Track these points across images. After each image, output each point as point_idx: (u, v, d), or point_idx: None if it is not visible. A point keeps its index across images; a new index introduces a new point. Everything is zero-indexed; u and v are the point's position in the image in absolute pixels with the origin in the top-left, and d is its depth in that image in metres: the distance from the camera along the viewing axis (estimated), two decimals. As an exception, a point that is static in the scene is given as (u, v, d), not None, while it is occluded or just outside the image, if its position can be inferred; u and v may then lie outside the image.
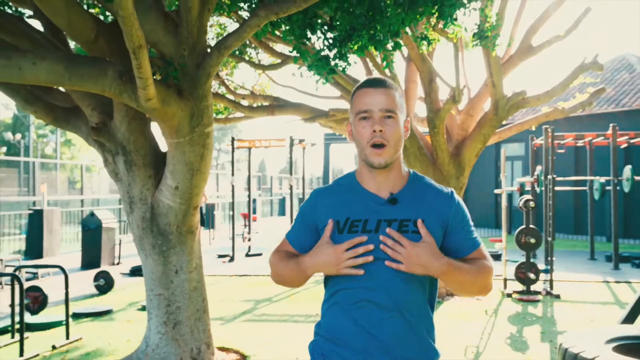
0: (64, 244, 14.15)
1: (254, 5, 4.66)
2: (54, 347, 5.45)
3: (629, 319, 5.66)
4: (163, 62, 3.89)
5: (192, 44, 3.95)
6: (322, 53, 5.15)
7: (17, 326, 5.71)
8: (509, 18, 7.13)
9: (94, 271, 9.52)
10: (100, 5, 4.00)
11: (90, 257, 10.97)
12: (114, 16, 3.98)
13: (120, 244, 11.99)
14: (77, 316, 6.93)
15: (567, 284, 8.80)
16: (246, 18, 4.72)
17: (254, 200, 15.85)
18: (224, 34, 7.03)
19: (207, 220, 17.38)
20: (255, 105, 9.70)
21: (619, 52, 24.04)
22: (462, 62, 8.21)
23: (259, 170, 53.37)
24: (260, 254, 12.75)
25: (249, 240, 13.24)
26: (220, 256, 12.55)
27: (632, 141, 12.30)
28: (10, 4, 4.89)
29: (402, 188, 1.75)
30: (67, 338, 5.67)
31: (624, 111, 16.20)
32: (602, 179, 11.41)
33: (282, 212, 29.79)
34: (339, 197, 1.77)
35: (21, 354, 5.08)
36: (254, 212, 17.62)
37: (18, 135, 34.38)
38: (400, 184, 1.75)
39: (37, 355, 5.22)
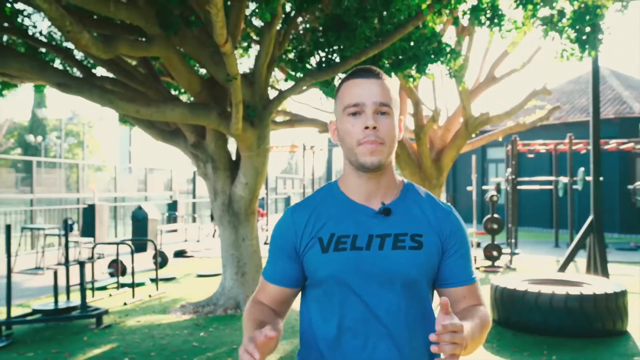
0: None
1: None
2: (150, 296, 7.80)
3: (562, 269, 8.11)
4: (243, 105, 6.21)
5: (261, 94, 6.30)
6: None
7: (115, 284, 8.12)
8: (478, 54, 9.50)
9: (142, 254, 11.87)
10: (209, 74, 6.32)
11: (139, 242, 13.30)
12: (216, 79, 6.32)
13: (161, 233, 14.34)
14: (153, 280, 9.27)
15: (526, 262, 11.15)
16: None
17: (263, 198, 18.11)
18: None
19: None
20: (278, 119, 12.03)
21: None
22: (441, 88, 10.58)
23: (262, 170, 56.08)
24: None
25: (267, 230, 15.64)
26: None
27: (588, 147, 14.69)
28: (125, 59, 7.24)
29: (395, 198, 1.48)
30: (157, 290, 8.03)
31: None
32: (565, 179, 13.79)
33: (287, 210, 32.19)
34: (320, 211, 1.48)
35: (133, 296, 7.47)
36: (264, 209, 19.98)
37: (39, 138, 36.76)
38: (392, 193, 1.49)
39: (142, 299, 7.57)
